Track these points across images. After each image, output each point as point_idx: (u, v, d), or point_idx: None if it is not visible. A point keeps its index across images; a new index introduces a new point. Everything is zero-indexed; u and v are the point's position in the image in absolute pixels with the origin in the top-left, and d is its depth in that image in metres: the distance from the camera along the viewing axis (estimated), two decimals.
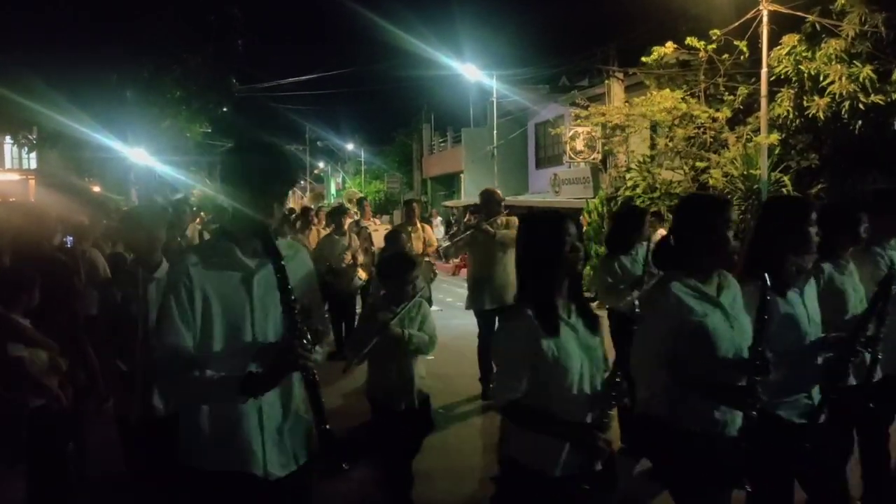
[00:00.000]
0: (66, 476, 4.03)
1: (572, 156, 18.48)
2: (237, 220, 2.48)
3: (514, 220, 7.33)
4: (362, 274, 8.99)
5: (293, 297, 2.33)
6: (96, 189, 22.52)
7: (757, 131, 12.26)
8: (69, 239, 6.78)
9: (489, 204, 7.38)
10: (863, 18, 10.88)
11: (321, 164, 54.20)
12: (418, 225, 9.32)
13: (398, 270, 4.40)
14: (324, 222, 11.49)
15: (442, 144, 34.44)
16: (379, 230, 9.96)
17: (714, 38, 12.69)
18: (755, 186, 12.17)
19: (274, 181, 2.43)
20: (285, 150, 2.74)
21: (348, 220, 10.03)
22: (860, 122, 11.06)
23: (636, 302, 2.86)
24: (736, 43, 12.45)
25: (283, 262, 2.36)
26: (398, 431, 4.29)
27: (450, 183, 33.90)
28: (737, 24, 12.32)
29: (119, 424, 3.87)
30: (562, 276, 2.68)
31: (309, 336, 2.33)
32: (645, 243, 5.55)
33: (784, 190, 12.22)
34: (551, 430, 2.60)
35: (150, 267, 3.74)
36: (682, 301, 2.83)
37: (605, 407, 2.60)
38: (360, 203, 11.80)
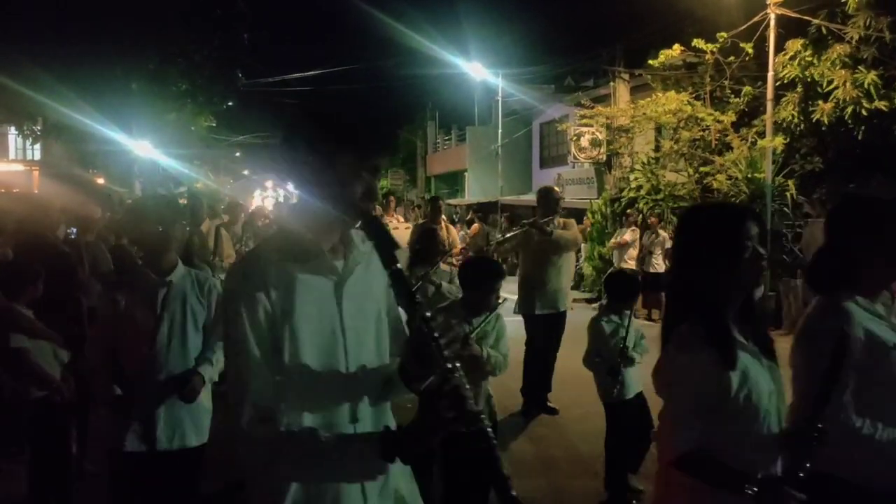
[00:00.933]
0: (68, 467, 4.04)
1: (577, 156, 18.47)
2: (313, 206, 1.79)
3: (573, 221, 7.11)
4: None
5: (426, 314, 1.66)
6: (100, 181, 22.56)
7: (762, 134, 12.27)
8: (73, 230, 6.78)
9: (546, 202, 6.92)
10: (868, 23, 10.88)
11: None
12: (443, 225, 8.73)
13: (485, 279, 3.84)
14: None
15: (446, 142, 34.44)
16: (399, 228, 9.59)
17: (720, 40, 12.68)
18: (759, 190, 12.18)
19: (370, 146, 1.79)
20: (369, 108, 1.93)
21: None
22: (863, 127, 11.07)
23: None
24: (742, 45, 12.44)
25: (398, 268, 1.71)
26: (462, 457, 3.54)
27: (453, 181, 33.89)
28: (744, 27, 12.31)
29: (110, 458, 3.27)
30: (740, 289, 2.12)
31: (459, 367, 1.62)
32: None
33: (788, 194, 12.23)
34: (739, 488, 2.00)
35: (162, 270, 3.23)
36: (871, 332, 2.31)
37: (799, 455, 2.04)
38: (385, 197, 11.54)
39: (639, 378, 4.70)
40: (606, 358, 4.65)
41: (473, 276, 3.95)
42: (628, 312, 4.72)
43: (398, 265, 1.71)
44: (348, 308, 1.80)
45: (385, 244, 1.74)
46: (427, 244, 6.24)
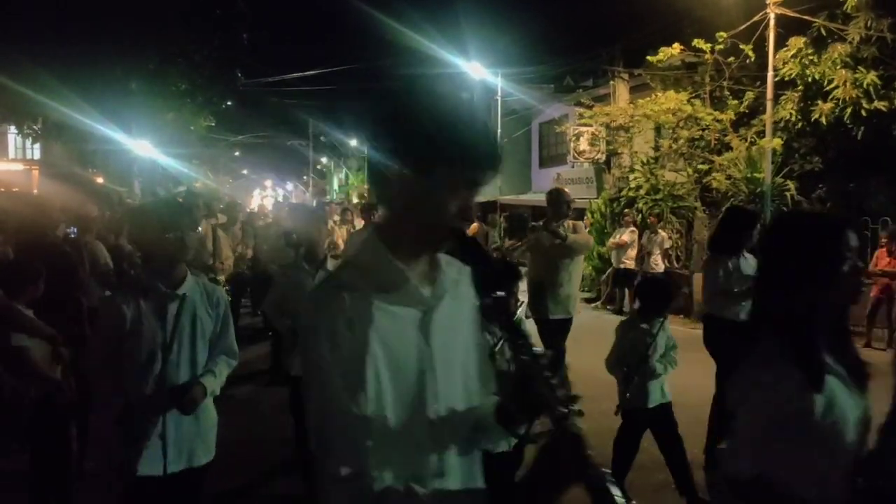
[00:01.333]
0: (68, 467, 4.04)
1: (576, 155, 18.47)
2: (403, 222, 1.54)
3: (581, 224, 7.00)
4: None
5: (536, 351, 1.46)
6: (100, 180, 22.55)
7: (761, 134, 12.27)
8: (73, 230, 6.79)
9: (557, 205, 6.71)
10: (869, 23, 10.90)
11: (324, 160, 54.24)
12: None
13: (504, 283, 3.61)
14: (338, 217, 11.50)
15: None
16: None
17: (720, 40, 12.69)
18: (758, 190, 12.18)
19: (476, 156, 1.48)
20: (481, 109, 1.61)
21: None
22: (863, 127, 11.09)
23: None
24: (742, 47, 12.45)
25: (501, 296, 1.54)
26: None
27: None
28: (743, 27, 12.32)
29: (118, 477, 3.05)
30: (835, 306, 1.94)
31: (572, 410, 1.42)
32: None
33: (787, 194, 12.24)
34: None
35: (173, 281, 3.02)
36: None
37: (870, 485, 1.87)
38: None
39: (668, 388, 4.62)
40: (628, 363, 4.54)
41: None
42: (661, 320, 4.60)
43: (499, 293, 1.51)
44: (437, 343, 1.55)
45: (484, 269, 1.55)
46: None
